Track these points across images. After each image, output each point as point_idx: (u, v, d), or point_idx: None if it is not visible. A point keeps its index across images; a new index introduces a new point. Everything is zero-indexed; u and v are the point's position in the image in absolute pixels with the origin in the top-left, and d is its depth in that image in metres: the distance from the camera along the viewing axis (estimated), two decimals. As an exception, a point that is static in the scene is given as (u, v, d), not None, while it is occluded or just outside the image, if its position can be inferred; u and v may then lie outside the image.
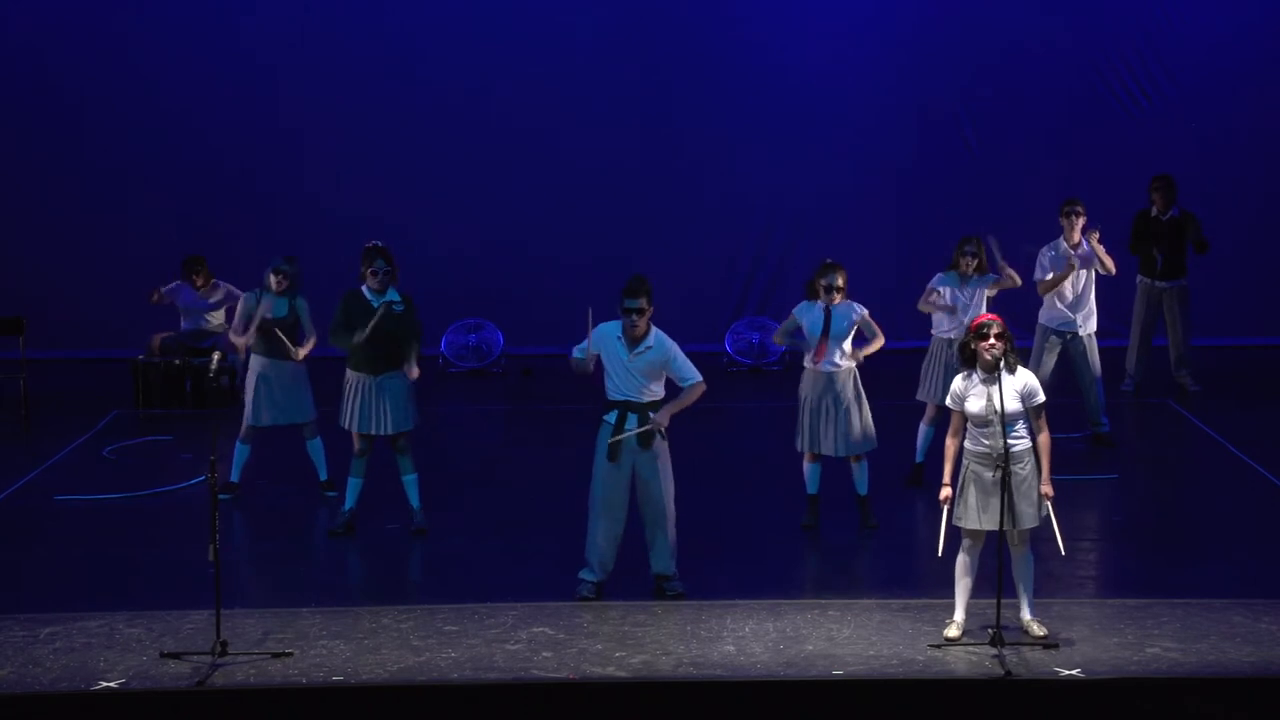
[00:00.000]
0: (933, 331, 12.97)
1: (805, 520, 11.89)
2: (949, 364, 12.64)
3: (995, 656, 9.34)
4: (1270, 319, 17.99)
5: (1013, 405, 9.51)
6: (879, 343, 11.83)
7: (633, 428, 10.34)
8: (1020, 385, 9.58)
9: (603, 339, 10.44)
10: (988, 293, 12.80)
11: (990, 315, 9.73)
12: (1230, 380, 16.39)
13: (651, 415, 10.38)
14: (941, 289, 12.78)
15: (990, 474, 9.50)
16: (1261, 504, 12.54)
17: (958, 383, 9.66)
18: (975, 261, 12.74)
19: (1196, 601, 10.23)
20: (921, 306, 12.90)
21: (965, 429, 9.64)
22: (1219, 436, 14.25)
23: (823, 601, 10.34)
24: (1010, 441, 9.52)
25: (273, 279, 12.56)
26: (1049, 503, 9.65)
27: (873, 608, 10.22)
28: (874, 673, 9.22)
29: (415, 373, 11.72)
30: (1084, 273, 13.91)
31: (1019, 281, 12.97)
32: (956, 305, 12.74)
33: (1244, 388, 16.26)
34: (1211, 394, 15.75)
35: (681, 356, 10.44)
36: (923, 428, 12.83)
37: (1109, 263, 13.87)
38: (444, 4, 17.74)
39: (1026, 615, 9.70)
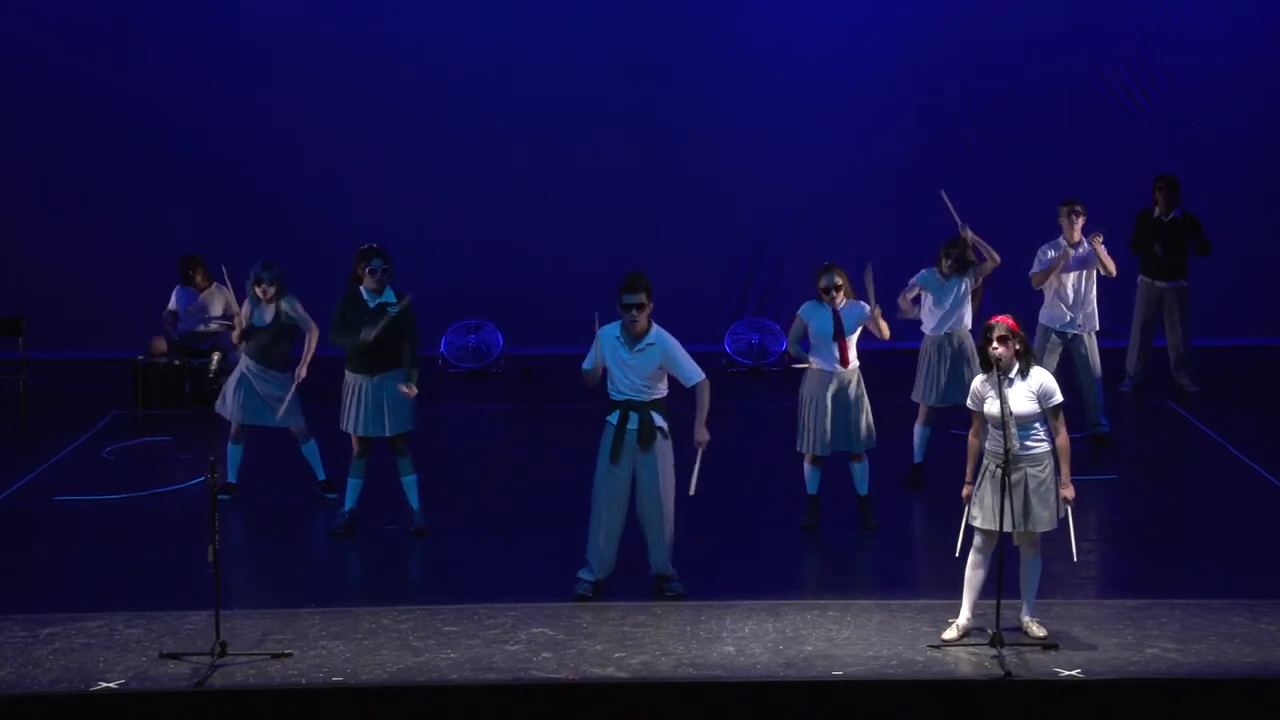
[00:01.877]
0: (923, 331, 12.98)
1: (805, 520, 11.89)
2: (937, 364, 12.69)
3: (995, 657, 9.34)
4: (1270, 319, 17.98)
5: (1023, 407, 9.50)
6: (884, 329, 11.76)
7: (634, 427, 10.33)
8: (1035, 387, 9.57)
9: (604, 341, 10.44)
10: (971, 285, 12.79)
11: (999, 318, 9.68)
12: (1230, 381, 16.39)
13: (657, 416, 10.36)
14: (921, 286, 12.79)
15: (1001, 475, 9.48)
16: (1261, 504, 12.54)
17: (977, 383, 9.67)
18: (949, 263, 12.73)
19: (1196, 602, 10.23)
20: (901, 304, 12.88)
21: (986, 429, 9.63)
22: (1218, 437, 14.25)
23: (822, 602, 10.34)
24: (1030, 444, 9.52)
25: (257, 290, 12.52)
26: (1068, 507, 9.63)
27: (872, 608, 10.22)
28: (873, 673, 9.22)
29: (413, 391, 11.66)
30: (1085, 273, 13.91)
31: (997, 259, 12.92)
32: (930, 300, 12.75)
33: (1244, 388, 16.26)
34: (1211, 394, 15.75)
35: (683, 354, 10.44)
36: (918, 429, 12.84)
37: (1110, 265, 13.88)
38: (444, 5, 17.73)
39: (1027, 616, 9.70)
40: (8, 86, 17.57)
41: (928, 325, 12.89)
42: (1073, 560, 9.98)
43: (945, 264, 12.78)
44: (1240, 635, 9.69)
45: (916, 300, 12.82)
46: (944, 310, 12.77)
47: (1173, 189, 15.69)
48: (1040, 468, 9.54)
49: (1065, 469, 9.64)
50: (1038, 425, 9.57)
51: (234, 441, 12.71)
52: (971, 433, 9.73)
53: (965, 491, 9.74)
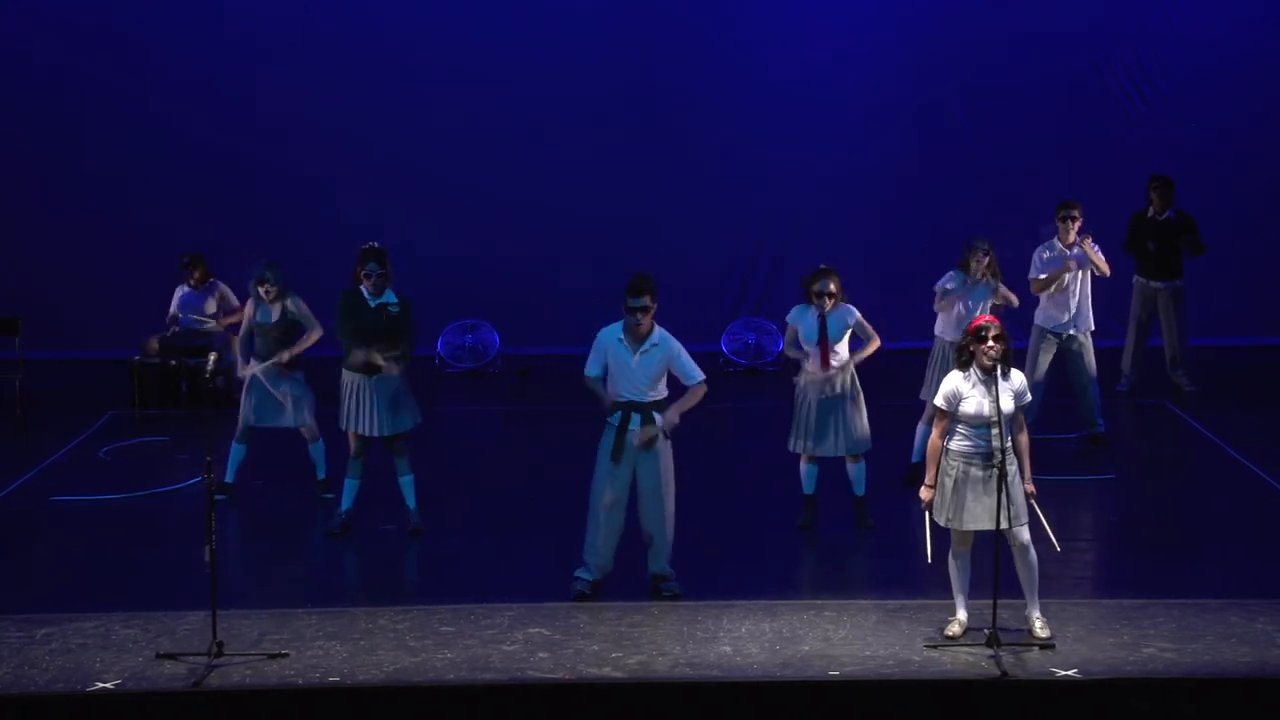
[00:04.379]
0: (936, 333, 12.96)
1: (801, 520, 11.89)
2: (949, 365, 12.64)
3: (991, 657, 9.34)
4: (1266, 319, 17.99)
5: (1007, 406, 9.53)
6: (875, 344, 11.81)
7: (635, 428, 10.34)
8: (1016, 386, 9.63)
9: (605, 345, 10.44)
10: (993, 302, 12.76)
11: (989, 317, 9.72)
12: (1226, 380, 16.39)
13: (657, 416, 10.38)
14: (955, 293, 12.72)
15: (984, 474, 9.49)
16: (1257, 504, 12.54)
17: (955, 384, 9.65)
18: (987, 260, 12.69)
19: (1192, 602, 10.23)
20: (937, 306, 12.85)
21: (952, 430, 9.64)
22: (1215, 437, 14.25)
23: (819, 602, 10.35)
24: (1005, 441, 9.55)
25: (260, 290, 12.52)
26: (1034, 501, 9.66)
27: (869, 608, 10.22)
28: (870, 673, 9.23)
29: (393, 369, 11.64)
30: (1080, 273, 13.92)
31: (1016, 303, 12.94)
32: (958, 302, 12.76)
33: (1240, 388, 16.26)
34: (1207, 394, 15.75)
35: (685, 354, 10.47)
36: (920, 427, 12.81)
37: (1103, 266, 13.89)
38: (442, 5, 17.73)
39: (1034, 614, 9.69)
40: (4, 87, 17.56)
41: (947, 330, 12.77)
42: (1057, 552, 10.00)
43: (975, 263, 12.65)
44: (1237, 635, 9.69)
45: (953, 301, 12.77)
46: (967, 315, 12.60)
47: (1167, 189, 15.70)
48: (1010, 464, 9.59)
49: (1027, 465, 9.68)
50: (1010, 424, 9.62)
51: (238, 441, 12.68)
52: (936, 433, 9.72)
53: (926, 495, 9.74)
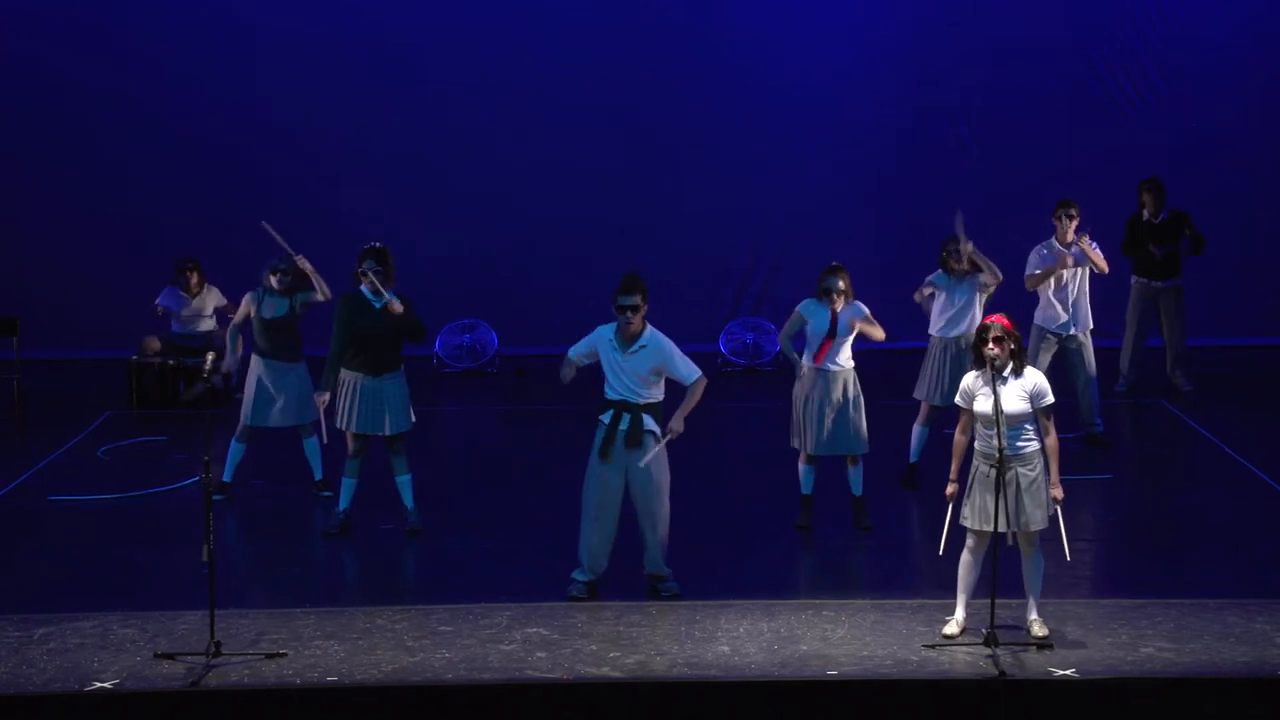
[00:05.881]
0: (930, 331, 12.98)
1: (799, 521, 11.88)
2: (943, 364, 12.68)
3: (989, 657, 9.34)
4: (1265, 319, 17.99)
5: (1015, 407, 9.51)
6: (879, 333, 11.78)
7: (650, 448, 10.32)
8: (1029, 386, 9.58)
9: (599, 342, 10.45)
10: (982, 293, 12.78)
11: (995, 317, 9.69)
12: (1225, 380, 16.39)
13: (648, 418, 10.36)
14: (934, 285, 12.82)
15: (992, 474, 9.48)
16: (1256, 504, 12.54)
17: (967, 380, 9.67)
18: (955, 261, 12.75)
19: (1191, 602, 10.24)
20: (918, 298, 12.95)
21: (974, 427, 9.64)
22: (1213, 437, 14.25)
23: (817, 602, 10.35)
24: (1020, 444, 9.52)
25: (273, 279, 12.55)
26: (1058, 506, 9.64)
27: (867, 608, 10.22)
28: (868, 673, 9.23)
29: (396, 306, 11.60)
30: (1079, 272, 13.92)
31: (1000, 276, 12.91)
32: (941, 300, 12.77)
33: (1238, 388, 16.27)
34: (1206, 394, 15.76)
35: (679, 355, 10.44)
36: (916, 428, 12.83)
37: (1101, 263, 13.88)
38: (441, 7, 17.73)
39: (1033, 615, 9.68)
40: (5, 87, 17.55)
41: (935, 326, 12.87)
42: (1066, 559, 10.00)
43: (951, 262, 12.75)
44: (1235, 635, 9.69)
45: (931, 297, 12.85)
46: (953, 310, 12.71)
47: (1159, 191, 15.70)
48: (1030, 467, 9.56)
49: (1055, 468, 9.65)
50: (1028, 425, 9.59)
51: (238, 440, 12.67)
52: (959, 430, 9.74)
53: (949, 490, 9.75)
